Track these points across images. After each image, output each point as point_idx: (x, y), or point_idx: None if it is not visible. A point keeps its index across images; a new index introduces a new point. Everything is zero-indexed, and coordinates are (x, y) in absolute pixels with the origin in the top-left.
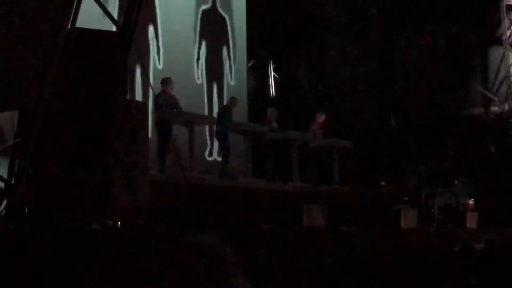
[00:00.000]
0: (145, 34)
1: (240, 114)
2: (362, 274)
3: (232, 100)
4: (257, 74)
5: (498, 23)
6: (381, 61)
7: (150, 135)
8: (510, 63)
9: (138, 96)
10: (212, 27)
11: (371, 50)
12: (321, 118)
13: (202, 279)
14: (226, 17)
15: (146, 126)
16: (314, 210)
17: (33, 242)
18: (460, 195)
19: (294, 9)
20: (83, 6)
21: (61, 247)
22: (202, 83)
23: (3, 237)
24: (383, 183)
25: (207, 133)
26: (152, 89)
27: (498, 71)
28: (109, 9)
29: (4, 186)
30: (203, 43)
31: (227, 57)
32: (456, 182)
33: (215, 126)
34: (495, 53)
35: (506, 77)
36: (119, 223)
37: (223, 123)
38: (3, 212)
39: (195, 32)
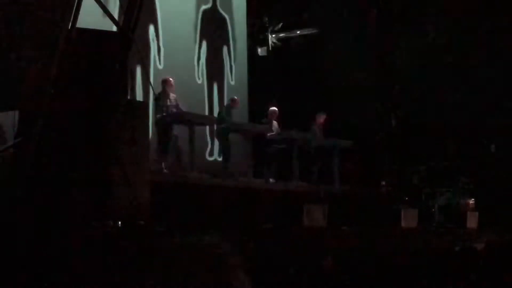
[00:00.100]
0: (145, 34)
1: (240, 114)
2: (362, 274)
3: (233, 100)
4: (258, 73)
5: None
6: (382, 60)
7: (150, 135)
8: None
9: (139, 96)
10: (212, 27)
11: (371, 50)
12: (321, 118)
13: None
14: (227, 17)
15: (146, 126)
16: (314, 210)
17: (33, 242)
18: (461, 195)
19: (294, 9)
20: (83, 6)
21: (62, 247)
22: (202, 83)
23: (3, 237)
24: (383, 183)
25: (208, 133)
26: (152, 89)
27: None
28: (110, 9)
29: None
30: (204, 43)
31: (228, 57)
32: (457, 182)
33: (215, 126)
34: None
35: None
36: (119, 223)
37: (224, 123)
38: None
39: (195, 32)
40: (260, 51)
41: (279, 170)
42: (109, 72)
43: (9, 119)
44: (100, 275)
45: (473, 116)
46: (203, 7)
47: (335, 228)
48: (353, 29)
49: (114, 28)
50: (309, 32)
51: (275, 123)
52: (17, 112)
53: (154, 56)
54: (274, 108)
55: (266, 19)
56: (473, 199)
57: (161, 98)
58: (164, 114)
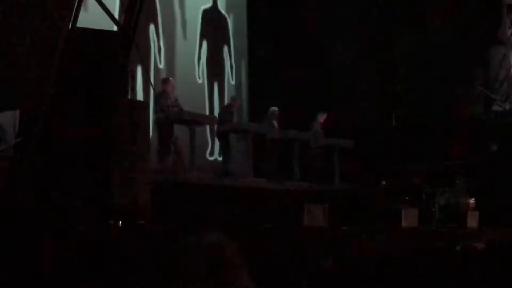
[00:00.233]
0: (146, 33)
1: (240, 113)
2: (362, 274)
3: (233, 99)
4: (258, 73)
5: (499, 22)
6: (382, 60)
7: (150, 134)
8: (511, 62)
9: (139, 96)
10: (213, 27)
11: (372, 49)
12: (322, 117)
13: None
14: (227, 16)
15: (147, 126)
16: (315, 209)
17: (34, 241)
18: (461, 194)
19: (294, 9)
20: (84, 6)
21: (62, 246)
22: (203, 83)
23: (3, 236)
24: (383, 182)
25: (208, 133)
26: (153, 88)
27: (499, 71)
28: (110, 9)
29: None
30: (204, 43)
31: (228, 57)
32: (457, 182)
33: (216, 125)
34: (496, 52)
35: (507, 77)
36: (119, 222)
37: (224, 122)
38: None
39: (196, 32)
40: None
41: (279, 169)
42: (109, 71)
43: (9, 119)
44: (101, 275)
45: (474, 116)
46: (204, 6)
47: (335, 227)
48: (353, 28)
49: (115, 28)
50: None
51: (275, 123)
52: (17, 112)
53: (155, 56)
54: (275, 108)
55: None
56: (473, 199)
57: (161, 97)
58: (164, 114)
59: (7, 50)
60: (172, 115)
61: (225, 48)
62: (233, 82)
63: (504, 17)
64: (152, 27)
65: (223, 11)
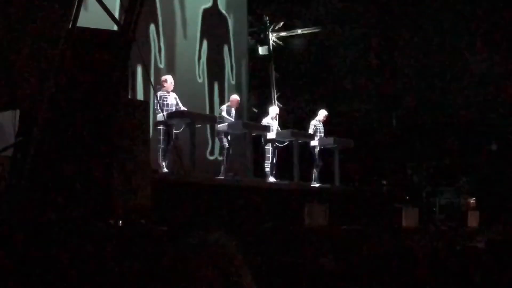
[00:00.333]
0: (146, 33)
1: (240, 113)
2: (362, 273)
3: (233, 98)
4: (258, 73)
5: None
6: (382, 59)
7: (151, 134)
8: None
9: (140, 95)
10: (213, 26)
11: (372, 48)
12: (322, 116)
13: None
14: (227, 15)
15: (147, 125)
16: (315, 209)
17: (35, 241)
18: (462, 193)
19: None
20: (84, 6)
21: (62, 246)
22: (203, 82)
23: (4, 236)
24: (384, 181)
25: (208, 132)
26: (153, 88)
27: None
28: (110, 9)
29: (6, 185)
30: (204, 42)
31: (228, 56)
32: (457, 181)
33: (216, 125)
34: None
35: None
36: (120, 222)
37: (224, 121)
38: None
39: (196, 31)
40: (261, 50)
41: (280, 169)
42: (109, 71)
43: (9, 119)
44: (101, 274)
45: (474, 115)
46: (204, 6)
47: (336, 227)
48: (354, 28)
49: (115, 27)
50: (310, 31)
51: (275, 122)
52: (17, 112)
53: (155, 55)
54: (275, 107)
55: (267, 18)
56: (474, 198)
57: (162, 97)
58: (164, 113)
59: (8, 50)
60: (172, 115)
61: (225, 48)
62: (233, 82)
63: None
64: (152, 27)
65: (223, 10)
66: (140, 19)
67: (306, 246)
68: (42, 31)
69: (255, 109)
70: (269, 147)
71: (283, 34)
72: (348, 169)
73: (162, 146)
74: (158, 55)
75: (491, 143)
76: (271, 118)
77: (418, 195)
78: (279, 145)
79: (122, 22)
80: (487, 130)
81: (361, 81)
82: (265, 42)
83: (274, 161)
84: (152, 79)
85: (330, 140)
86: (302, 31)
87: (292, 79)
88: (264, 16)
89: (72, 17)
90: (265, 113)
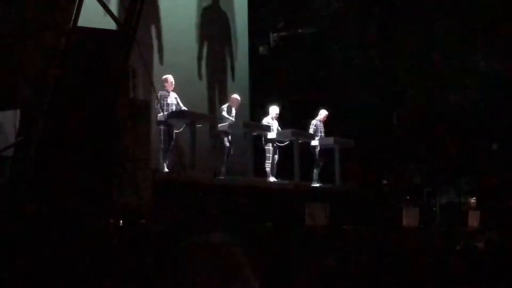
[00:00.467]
0: (147, 32)
1: (241, 112)
2: (363, 273)
3: (234, 98)
4: (259, 73)
5: None
6: (383, 59)
7: (151, 134)
8: None
9: (140, 95)
10: (214, 25)
11: (373, 48)
12: (323, 116)
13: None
14: (228, 15)
15: (148, 125)
16: (316, 208)
17: (35, 241)
18: (462, 193)
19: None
20: (84, 5)
21: (63, 246)
22: (203, 82)
23: (5, 236)
24: (385, 181)
25: (209, 132)
26: (154, 88)
27: None
28: (111, 8)
29: (6, 185)
30: (205, 42)
31: (229, 56)
32: (458, 181)
33: (216, 125)
34: None
35: None
36: (121, 222)
37: (225, 121)
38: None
39: (197, 31)
40: (262, 49)
41: (280, 169)
42: (110, 70)
43: (10, 118)
44: (101, 274)
45: (475, 115)
46: (205, 5)
47: (336, 227)
48: (354, 27)
49: (116, 27)
50: (310, 31)
51: (275, 121)
52: (18, 112)
53: (156, 55)
54: (275, 106)
55: (268, 17)
56: (474, 198)
57: (162, 96)
58: (165, 113)
59: (8, 50)
60: (173, 114)
61: (226, 47)
62: (233, 82)
63: None
64: (153, 26)
65: (224, 10)
66: (140, 18)
67: (307, 246)
68: (43, 31)
69: (255, 109)
70: (269, 147)
71: (283, 33)
72: (349, 169)
73: (163, 146)
74: (158, 55)
75: (492, 142)
76: (271, 118)
77: (419, 194)
78: (280, 144)
79: (122, 21)
80: (487, 130)
81: (361, 81)
82: (265, 41)
83: (274, 161)
84: (153, 79)
85: (331, 139)
86: (302, 30)
87: (292, 79)
88: (265, 15)
89: (73, 16)
90: (266, 113)
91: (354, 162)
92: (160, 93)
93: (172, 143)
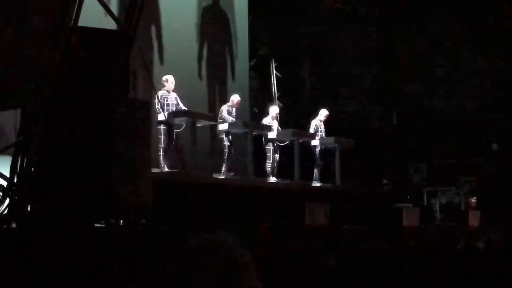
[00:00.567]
0: (147, 32)
1: (241, 112)
2: (363, 273)
3: (234, 98)
4: (259, 73)
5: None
6: (383, 58)
7: (151, 133)
8: None
9: (140, 95)
10: (214, 26)
11: (373, 48)
12: (323, 116)
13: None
14: (228, 15)
15: (148, 125)
16: (316, 208)
17: (35, 241)
18: (462, 193)
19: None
20: (85, 5)
21: (63, 245)
22: (203, 82)
23: (5, 235)
24: (385, 181)
25: (209, 132)
26: (154, 87)
27: None
28: (111, 8)
29: (7, 184)
30: (205, 42)
31: (229, 55)
32: (458, 180)
33: (217, 124)
34: None
35: None
36: (121, 222)
37: (225, 121)
38: (6, 211)
39: (197, 31)
40: (262, 49)
41: (281, 168)
42: (110, 70)
43: (10, 118)
44: (102, 274)
45: (475, 114)
46: (205, 5)
47: (336, 226)
48: (354, 27)
49: (116, 27)
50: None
51: (275, 121)
52: (19, 111)
53: (156, 55)
54: (275, 106)
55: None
56: (475, 198)
57: (162, 96)
58: (165, 112)
59: (8, 50)
60: (173, 114)
61: (226, 47)
62: (234, 81)
63: None
64: (153, 26)
65: (224, 10)
66: (141, 18)
67: (307, 246)
68: (43, 31)
69: (256, 108)
70: (270, 147)
71: (284, 33)
72: (349, 169)
73: (163, 145)
74: (158, 55)
75: (492, 142)
76: (272, 118)
77: (419, 194)
78: (280, 144)
79: (122, 21)
80: (487, 130)
81: (361, 81)
82: (266, 41)
83: (275, 161)
84: (153, 79)
85: (331, 139)
86: (303, 29)
87: (293, 78)
88: (265, 15)
89: (73, 16)
90: (266, 113)
91: (354, 162)
92: (160, 93)
93: (173, 143)
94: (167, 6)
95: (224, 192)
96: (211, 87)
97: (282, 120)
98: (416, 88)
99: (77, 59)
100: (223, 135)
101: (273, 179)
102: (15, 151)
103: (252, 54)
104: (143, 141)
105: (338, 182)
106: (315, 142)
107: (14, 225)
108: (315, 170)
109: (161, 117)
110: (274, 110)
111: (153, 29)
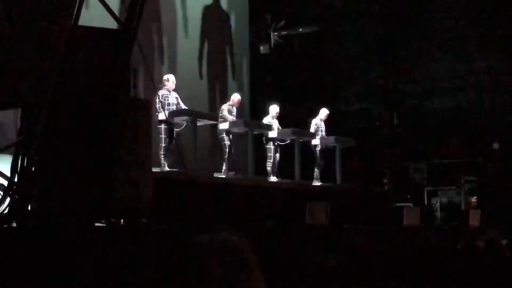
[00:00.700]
0: (148, 32)
1: (242, 112)
2: (364, 273)
3: (235, 97)
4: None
5: None
6: (383, 58)
7: (152, 133)
8: None
9: (141, 94)
10: (214, 25)
11: (373, 47)
12: (324, 115)
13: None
14: (229, 14)
15: (149, 124)
16: (316, 207)
17: (36, 240)
18: (463, 192)
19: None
20: (85, 4)
21: (64, 245)
22: (204, 81)
23: (5, 235)
24: (385, 180)
25: (210, 131)
26: (154, 87)
27: None
28: (112, 7)
29: (7, 184)
30: (206, 41)
31: (230, 54)
32: (459, 180)
33: (217, 123)
34: None
35: None
36: (121, 221)
37: (225, 120)
38: (6, 210)
39: (197, 30)
40: (262, 49)
41: (281, 168)
42: (111, 70)
43: (11, 117)
44: (102, 274)
45: (475, 114)
46: (205, 4)
47: (337, 226)
48: (355, 27)
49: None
50: (311, 30)
51: (276, 121)
52: (19, 111)
53: (156, 54)
54: (275, 106)
55: (269, 16)
56: (475, 197)
57: (163, 95)
58: (166, 112)
59: (9, 50)
60: (174, 113)
61: (227, 47)
62: (234, 81)
63: None
64: (154, 25)
65: (224, 9)
66: (141, 18)
67: (307, 245)
68: (43, 30)
69: (256, 108)
70: (270, 146)
71: (284, 32)
72: (350, 168)
73: (164, 145)
74: (159, 54)
75: (493, 141)
76: (272, 117)
77: (420, 194)
78: (281, 143)
79: (123, 21)
80: (488, 129)
81: (362, 80)
82: (266, 40)
83: (275, 160)
84: (153, 78)
85: (332, 139)
86: (303, 29)
87: (293, 78)
88: (266, 14)
89: (74, 15)
90: (266, 112)
91: (355, 161)
92: (161, 92)
93: (173, 142)
94: (167, 6)
95: (225, 191)
96: (212, 86)
97: (283, 119)
98: (416, 88)
99: (77, 59)
100: (223, 134)
101: (273, 179)
102: (16, 150)
103: (253, 53)
104: (144, 140)
105: (338, 181)
106: (315, 141)
107: (14, 224)
108: (316, 170)
109: (161, 116)
110: (273, 109)
111: (154, 29)
